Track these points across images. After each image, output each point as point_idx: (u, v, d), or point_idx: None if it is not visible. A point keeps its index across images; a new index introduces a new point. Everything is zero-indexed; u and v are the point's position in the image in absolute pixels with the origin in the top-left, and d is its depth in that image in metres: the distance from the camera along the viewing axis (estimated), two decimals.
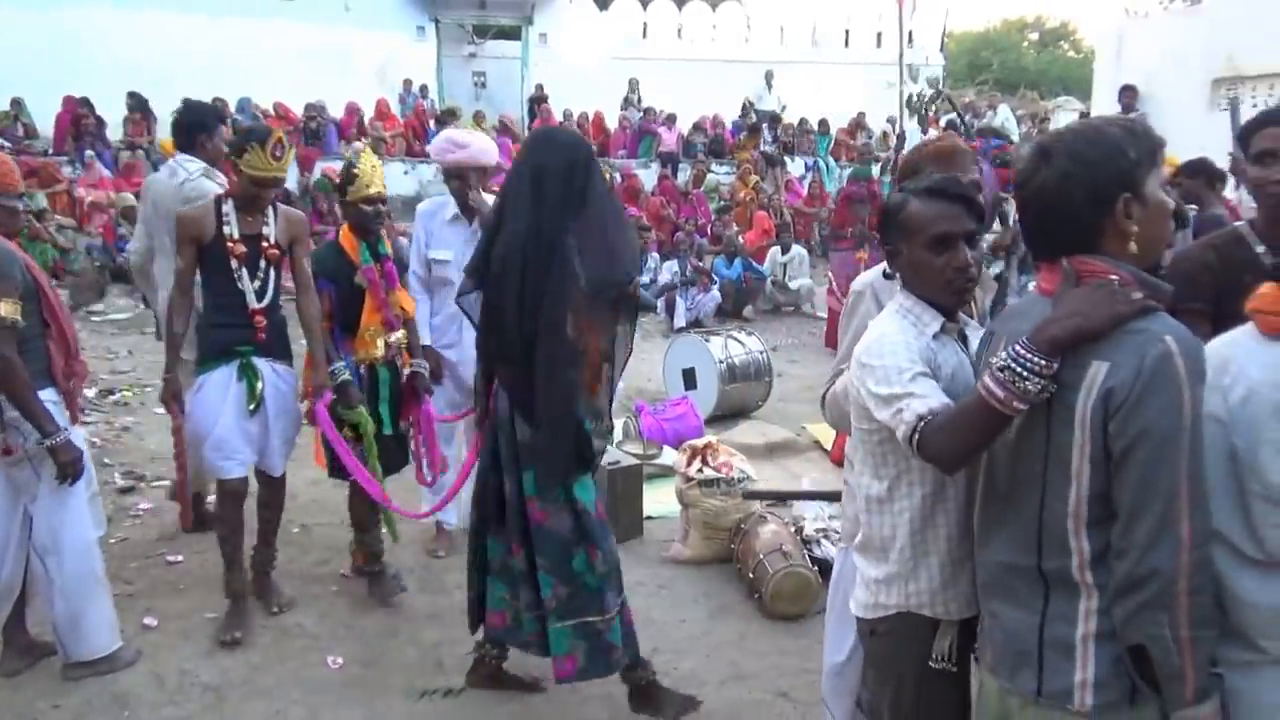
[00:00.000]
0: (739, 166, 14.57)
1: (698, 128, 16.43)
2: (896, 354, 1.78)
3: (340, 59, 16.19)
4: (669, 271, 10.32)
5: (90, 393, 6.48)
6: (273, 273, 3.50)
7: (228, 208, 3.44)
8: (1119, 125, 1.62)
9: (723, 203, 13.00)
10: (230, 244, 3.40)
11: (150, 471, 5.33)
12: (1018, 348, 1.54)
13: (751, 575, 3.94)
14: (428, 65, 18.13)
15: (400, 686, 3.32)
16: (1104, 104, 12.58)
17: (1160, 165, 1.61)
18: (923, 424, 1.67)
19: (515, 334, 2.76)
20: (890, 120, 15.07)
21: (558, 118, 16.44)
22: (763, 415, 6.67)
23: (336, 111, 15.23)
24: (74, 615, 3.24)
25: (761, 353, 6.77)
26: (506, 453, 2.91)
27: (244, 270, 3.42)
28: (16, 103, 13.61)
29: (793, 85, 18.13)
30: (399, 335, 3.80)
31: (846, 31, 19.66)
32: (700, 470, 4.36)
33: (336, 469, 3.71)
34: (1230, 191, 5.78)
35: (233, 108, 13.56)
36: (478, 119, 15.52)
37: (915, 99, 14.71)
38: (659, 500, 4.80)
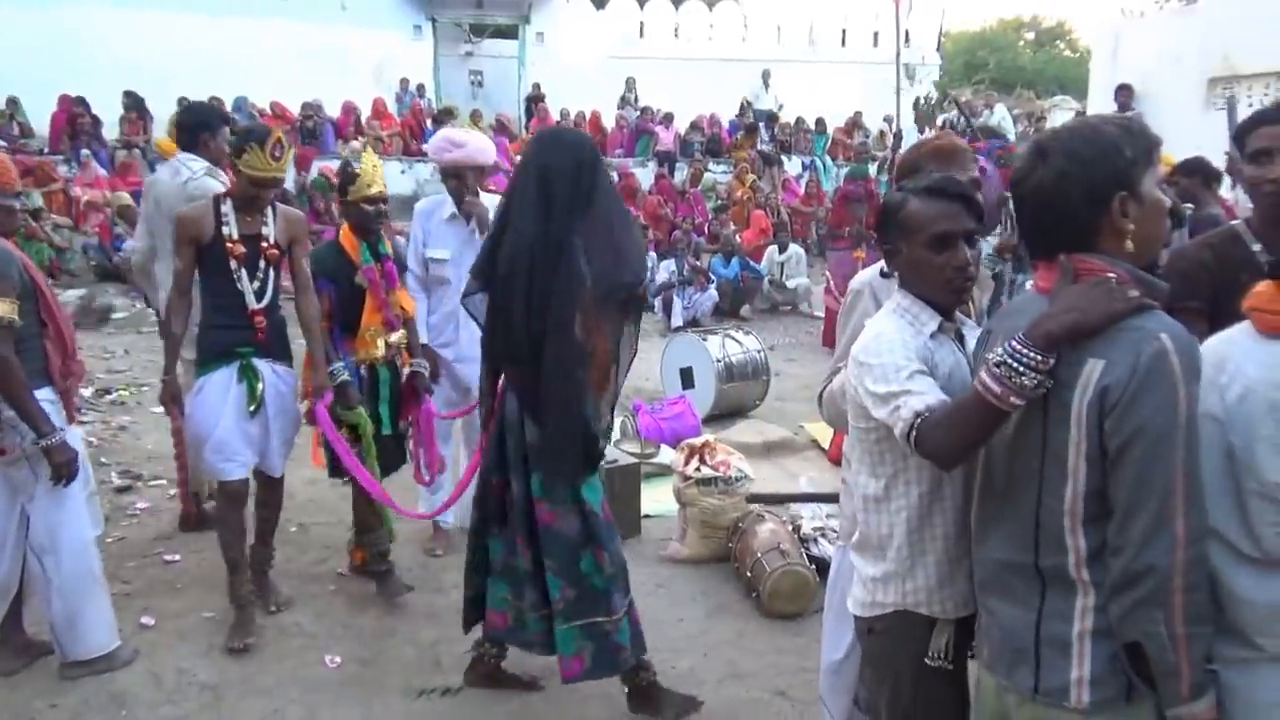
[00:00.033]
0: (736, 166, 14.58)
1: (695, 127, 16.44)
2: (894, 352, 1.78)
3: (337, 58, 16.17)
4: (666, 270, 10.32)
5: (87, 392, 6.47)
6: (272, 273, 3.48)
7: (226, 208, 3.42)
8: (1115, 124, 1.63)
9: (720, 202, 13.01)
10: (229, 244, 3.38)
11: (147, 471, 5.32)
12: (1014, 343, 1.55)
13: (749, 574, 3.95)
14: (424, 64, 18.12)
15: (398, 685, 3.32)
16: (1100, 103, 12.59)
17: (1156, 164, 1.62)
18: (920, 420, 1.68)
19: (523, 334, 2.76)
20: (887, 119, 15.08)
21: (555, 117, 16.44)
22: (760, 414, 6.68)
23: (333, 111, 15.23)
24: (71, 614, 3.23)
25: (759, 352, 6.77)
26: (515, 454, 2.90)
27: (243, 271, 3.40)
28: (12, 101, 13.59)
29: (790, 84, 18.14)
30: (399, 335, 3.80)
31: (843, 31, 19.66)
32: (698, 469, 4.37)
33: (336, 469, 3.70)
34: (1227, 191, 5.79)
35: (229, 107, 13.54)
36: (475, 118, 15.51)
37: (923, 103, 14.76)
38: (657, 499, 4.80)
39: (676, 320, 9.75)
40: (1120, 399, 1.48)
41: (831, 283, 8.58)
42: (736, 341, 6.74)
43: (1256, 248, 2.28)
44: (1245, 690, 1.55)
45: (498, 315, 2.84)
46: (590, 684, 3.06)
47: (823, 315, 9.27)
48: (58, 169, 12.23)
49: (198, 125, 4.25)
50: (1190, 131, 8.35)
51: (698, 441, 4.61)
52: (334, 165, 12.70)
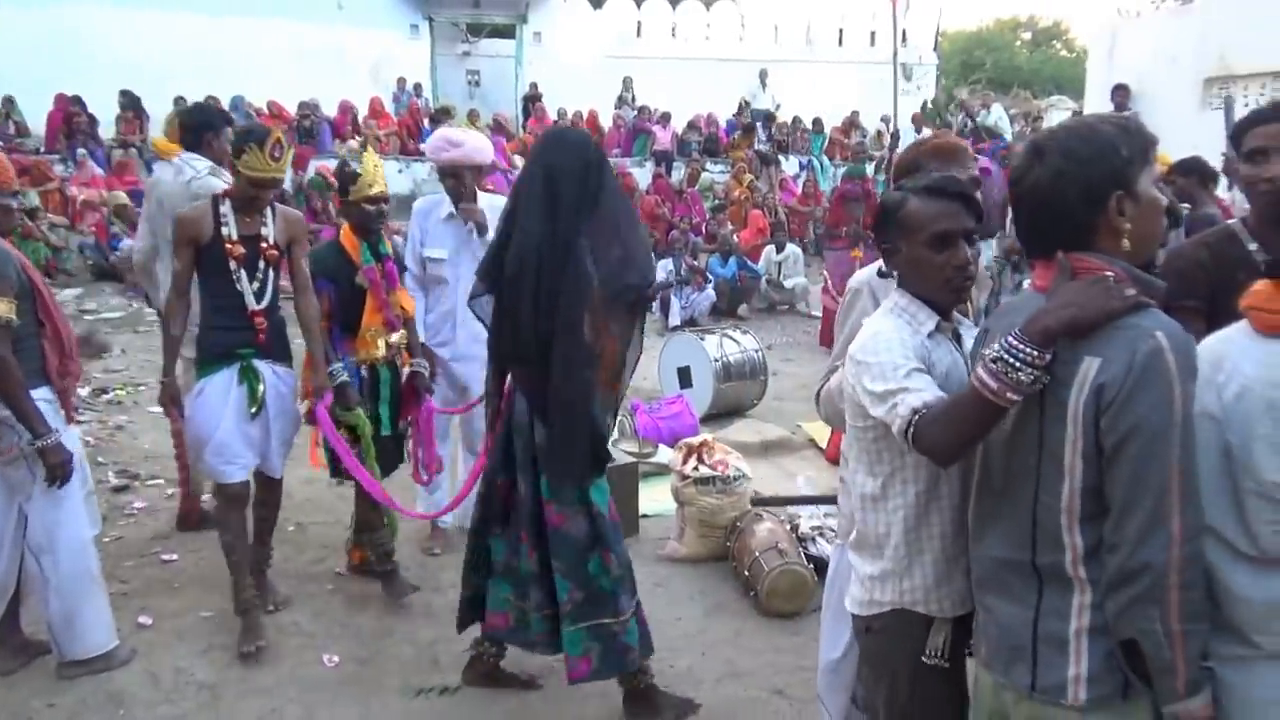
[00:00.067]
0: (734, 165, 14.59)
1: (692, 126, 16.45)
2: (892, 350, 1.79)
3: (334, 57, 16.17)
4: (664, 270, 10.32)
5: (84, 391, 6.46)
6: (272, 274, 3.46)
7: (225, 208, 3.39)
8: (1112, 123, 1.63)
9: (717, 201, 13.02)
10: (229, 245, 3.35)
11: (144, 470, 5.31)
12: (1010, 339, 1.55)
13: (747, 573, 3.95)
14: (422, 64, 18.11)
15: (396, 685, 3.32)
16: (1097, 103, 12.63)
17: (1153, 163, 1.62)
18: (917, 417, 1.68)
19: (531, 334, 2.75)
20: (884, 119, 15.09)
21: (552, 116, 16.44)
22: (758, 414, 6.68)
23: (330, 110, 15.22)
24: (69, 614, 3.23)
25: (756, 351, 6.78)
26: (523, 455, 2.90)
27: (243, 272, 3.38)
28: (8, 100, 13.57)
29: (787, 84, 18.16)
30: (399, 335, 3.78)
31: (840, 30, 19.68)
32: (696, 468, 4.37)
33: (337, 469, 3.69)
34: (1223, 192, 5.80)
35: (226, 106, 13.51)
36: (472, 117, 15.52)
37: (930, 107, 14.78)
38: (655, 498, 4.80)
39: (674, 320, 9.76)
40: (1116, 396, 1.49)
41: (829, 282, 8.58)
42: (734, 341, 6.74)
43: (1253, 247, 2.29)
44: (1242, 688, 1.55)
45: (505, 316, 2.83)
46: (588, 684, 3.05)
47: (820, 315, 9.28)
48: (54, 168, 12.20)
49: (202, 125, 4.25)
50: (1186, 131, 8.38)
51: (695, 441, 4.61)
52: (331, 164, 12.69)
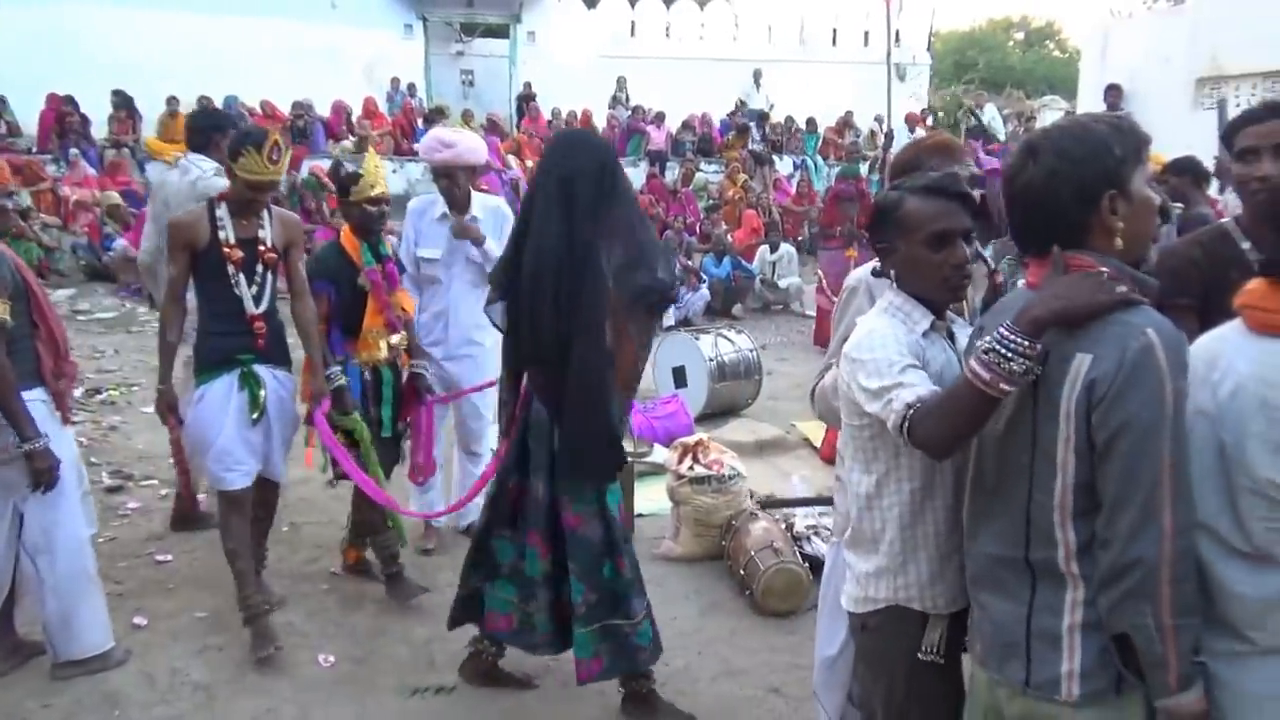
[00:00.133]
0: (728, 165, 14.60)
1: (686, 126, 16.46)
2: (887, 348, 1.79)
3: (328, 57, 16.15)
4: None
5: (77, 392, 6.44)
6: (270, 277, 3.42)
7: (221, 212, 3.34)
8: (1105, 122, 1.64)
9: (711, 201, 13.02)
10: (227, 249, 3.31)
11: (138, 471, 5.30)
12: (1002, 330, 1.56)
13: (743, 572, 3.96)
14: (415, 63, 18.11)
15: (392, 684, 3.32)
16: (1089, 103, 12.65)
17: (1145, 162, 1.64)
18: (911, 411, 1.69)
19: (551, 336, 2.74)
20: (878, 119, 15.12)
21: (546, 116, 16.45)
22: (752, 413, 6.69)
23: (324, 110, 15.21)
24: (66, 614, 3.21)
25: (751, 351, 6.79)
26: (541, 457, 2.89)
27: (241, 276, 3.33)
28: (0, 100, 13.51)
29: (780, 84, 18.20)
30: (400, 337, 3.76)
31: (834, 30, 19.73)
32: (691, 468, 4.37)
33: (340, 473, 3.66)
34: (1214, 193, 5.83)
35: (219, 106, 13.49)
36: (466, 117, 15.51)
37: (942, 115, 14.81)
38: (650, 498, 4.81)
39: (668, 319, 9.76)
40: (1107, 393, 1.50)
41: (823, 282, 8.60)
42: (729, 340, 6.75)
43: (1246, 245, 2.30)
44: (1235, 683, 1.56)
45: (523, 319, 2.82)
46: (587, 684, 3.05)
47: (814, 314, 9.29)
48: (46, 168, 12.16)
49: (210, 127, 4.25)
50: (1179, 131, 8.40)
51: (691, 440, 4.62)
52: (325, 164, 12.67)
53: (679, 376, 6.61)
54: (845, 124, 17.04)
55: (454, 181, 4.08)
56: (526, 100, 16.90)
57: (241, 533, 3.46)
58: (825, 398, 2.37)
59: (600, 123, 16.41)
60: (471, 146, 4.18)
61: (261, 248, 3.40)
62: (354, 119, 15.30)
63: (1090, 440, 1.53)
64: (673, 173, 14.58)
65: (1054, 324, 1.54)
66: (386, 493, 3.62)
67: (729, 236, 11.18)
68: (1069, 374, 1.54)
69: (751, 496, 4.48)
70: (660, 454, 5.16)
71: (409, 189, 13.07)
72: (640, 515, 4.71)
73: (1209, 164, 5.12)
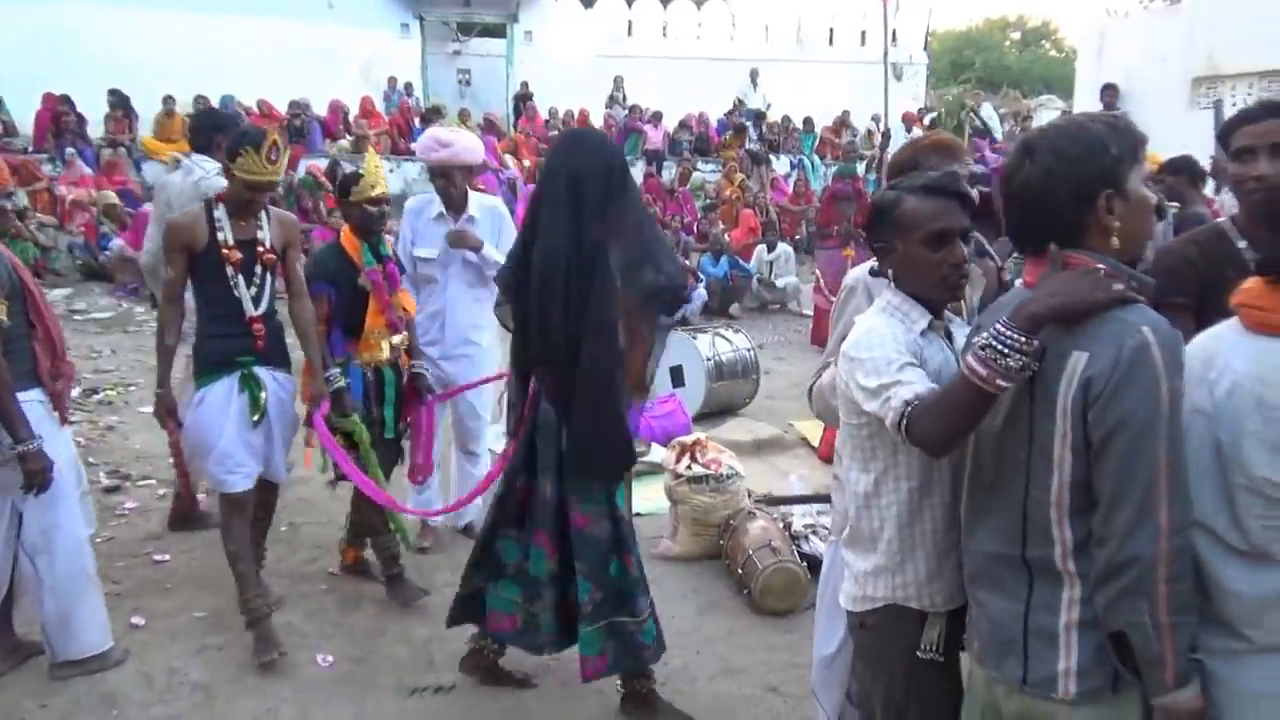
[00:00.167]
0: (725, 165, 14.61)
1: (683, 126, 16.46)
2: (885, 346, 1.80)
3: (324, 56, 16.13)
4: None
5: (74, 392, 6.43)
6: (269, 279, 3.40)
7: (219, 213, 3.32)
8: (1102, 122, 1.65)
9: (709, 201, 13.03)
10: (225, 250, 3.29)
11: (136, 471, 5.29)
12: (998, 326, 1.57)
13: (741, 571, 3.96)
14: (412, 63, 18.09)
15: (390, 684, 3.32)
16: (1086, 102, 12.69)
17: (1142, 161, 1.64)
18: (909, 409, 1.69)
19: (561, 337, 2.74)
20: (875, 118, 15.14)
21: (543, 115, 16.45)
22: (750, 412, 6.70)
23: (321, 109, 15.19)
24: (65, 614, 3.21)
25: (749, 350, 6.79)
26: (549, 457, 2.89)
27: (240, 277, 3.31)
28: None
29: (777, 84, 18.20)
30: (401, 337, 3.75)
31: (831, 30, 19.74)
32: (689, 467, 4.38)
33: (340, 474, 3.65)
34: (1211, 192, 5.84)
35: (215, 105, 13.47)
36: (463, 117, 15.51)
37: (945, 117, 14.79)
38: (648, 497, 4.80)
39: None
40: (1103, 391, 1.51)
41: (821, 281, 8.61)
42: (726, 340, 6.75)
43: (1242, 245, 2.31)
44: (1232, 681, 1.57)
45: (532, 319, 2.81)
46: (586, 683, 3.05)
47: (811, 314, 9.30)
48: (42, 168, 12.13)
49: (212, 127, 4.25)
50: (1175, 130, 8.42)
51: (688, 439, 4.62)
52: (322, 164, 12.66)
53: (676, 376, 6.61)
54: (842, 123, 17.06)
55: (450, 181, 4.08)
56: (523, 100, 16.90)
57: (243, 535, 3.45)
58: (823, 396, 2.37)
59: (597, 122, 16.41)
60: (468, 146, 4.18)
61: (260, 249, 3.38)
62: (351, 118, 15.28)
63: (1087, 438, 1.54)
64: (670, 172, 14.58)
65: (1051, 320, 1.55)
66: (387, 493, 3.62)
67: (726, 236, 11.19)
68: (1065, 371, 1.55)
69: (749, 495, 4.49)
70: (658, 453, 5.16)
71: (406, 188, 13.06)
72: (638, 514, 4.67)
73: (1205, 163, 5.14)
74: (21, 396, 3.00)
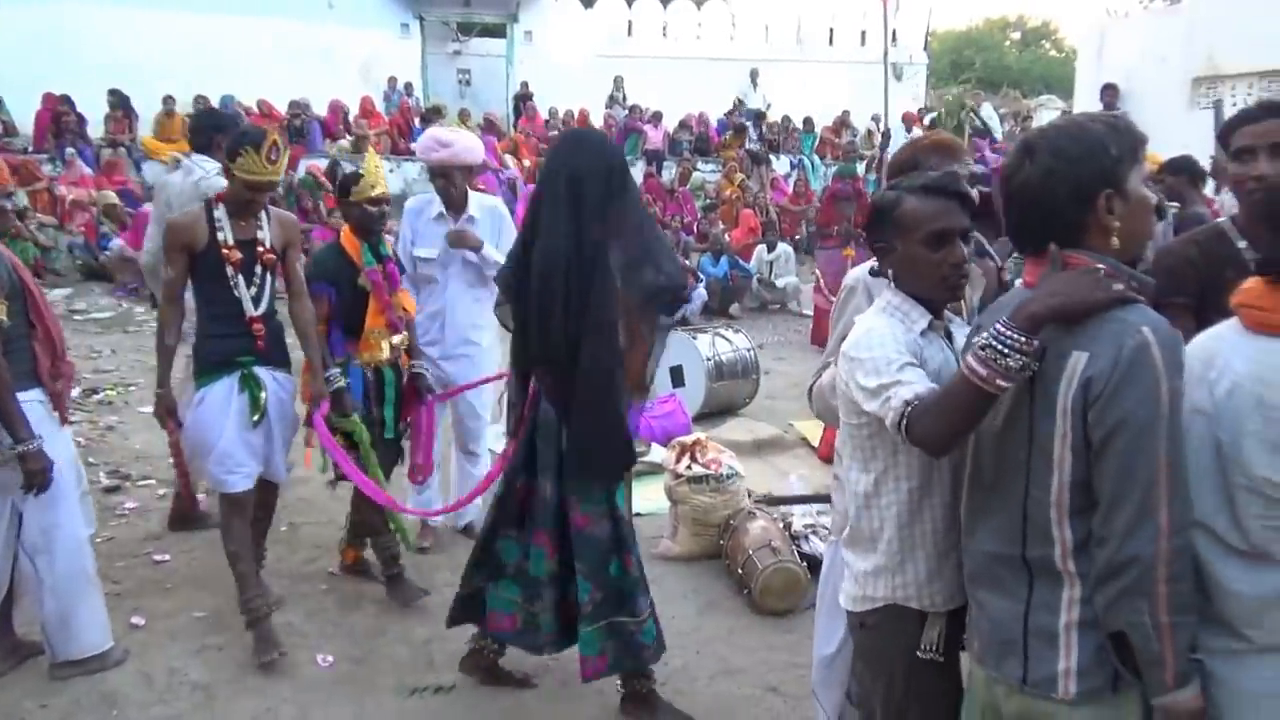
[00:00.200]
0: (725, 164, 14.61)
1: (683, 126, 16.46)
2: (885, 346, 1.80)
3: (324, 56, 16.14)
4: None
5: (74, 392, 6.43)
6: (269, 279, 3.40)
7: (219, 213, 3.32)
8: (1102, 122, 1.65)
9: (708, 201, 13.03)
10: (225, 250, 3.29)
11: (135, 471, 5.29)
12: (998, 326, 1.57)
13: (740, 571, 3.96)
14: (412, 63, 18.10)
15: (390, 684, 3.32)
16: (1086, 102, 12.69)
17: (1142, 161, 1.64)
18: (909, 409, 1.69)
19: (561, 337, 2.74)
20: (875, 118, 15.15)
21: (543, 115, 16.45)
22: (750, 412, 6.70)
23: (321, 109, 15.19)
24: (65, 614, 3.21)
25: (749, 350, 6.79)
26: (549, 457, 2.89)
27: (240, 278, 3.31)
28: None
29: (777, 84, 18.20)
30: (401, 337, 3.75)
31: (831, 30, 19.75)
32: (689, 467, 4.38)
33: (340, 474, 3.65)
34: (1211, 192, 5.84)
35: (215, 105, 13.47)
36: (463, 117, 15.52)
37: (944, 117, 14.80)
38: (648, 497, 4.80)
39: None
40: (1103, 391, 1.51)
41: (820, 281, 8.61)
42: (726, 340, 6.75)
43: (1242, 245, 2.31)
44: (1232, 681, 1.57)
45: (532, 319, 2.82)
46: (586, 684, 3.05)
47: (811, 314, 9.30)
48: (42, 168, 12.13)
49: (212, 127, 4.24)
50: (1175, 131, 8.42)
51: (688, 439, 4.62)
52: (322, 164, 12.66)
53: (676, 376, 6.61)
54: (842, 123, 17.06)
55: (450, 181, 4.08)
56: (523, 100, 16.91)
57: (243, 535, 3.45)
58: (823, 396, 2.37)
59: (597, 122, 16.42)
60: (468, 146, 4.18)
61: (260, 249, 3.38)
62: (351, 118, 15.28)
63: (1087, 438, 1.54)
64: (670, 172, 14.59)
65: (1051, 320, 1.55)
66: (387, 493, 3.62)
67: (726, 236, 11.19)
68: (1065, 371, 1.55)
69: (749, 495, 4.49)
70: (658, 453, 5.17)
71: (405, 188, 13.07)
72: (638, 514, 4.67)
73: (1205, 163, 5.13)
74: (21, 396, 2.99)
